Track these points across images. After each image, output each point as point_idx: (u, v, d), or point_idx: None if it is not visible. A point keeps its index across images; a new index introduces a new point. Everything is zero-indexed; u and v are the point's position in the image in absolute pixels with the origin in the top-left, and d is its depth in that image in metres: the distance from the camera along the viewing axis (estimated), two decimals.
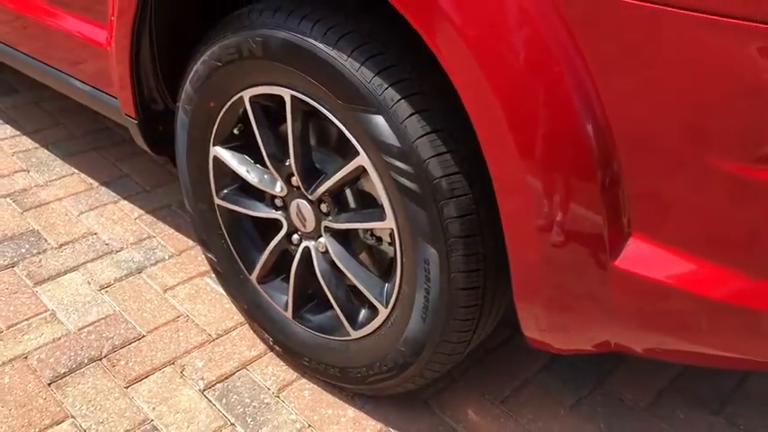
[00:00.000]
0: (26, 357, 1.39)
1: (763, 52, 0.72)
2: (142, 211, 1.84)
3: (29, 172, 1.97)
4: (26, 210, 1.82)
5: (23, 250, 1.67)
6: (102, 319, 1.49)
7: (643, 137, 0.83)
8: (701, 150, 0.81)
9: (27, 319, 1.48)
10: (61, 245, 1.70)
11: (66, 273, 1.61)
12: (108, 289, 1.58)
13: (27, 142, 2.11)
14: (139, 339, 1.45)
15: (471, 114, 0.91)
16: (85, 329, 1.46)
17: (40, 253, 1.67)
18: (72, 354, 1.40)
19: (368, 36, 1.02)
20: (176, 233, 1.76)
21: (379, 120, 1.02)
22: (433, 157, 0.99)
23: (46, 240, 1.71)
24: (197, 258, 1.67)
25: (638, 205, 0.88)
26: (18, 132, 2.15)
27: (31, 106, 2.31)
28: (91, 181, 1.94)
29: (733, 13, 0.72)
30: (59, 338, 1.44)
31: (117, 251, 1.69)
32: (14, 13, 1.69)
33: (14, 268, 1.62)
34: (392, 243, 1.12)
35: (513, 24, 0.84)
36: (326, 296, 1.27)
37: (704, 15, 0.73)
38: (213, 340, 1.46)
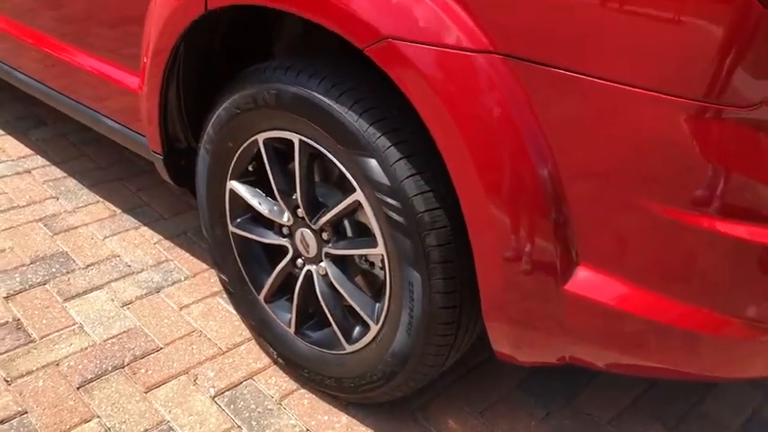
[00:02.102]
0: (57, 364, 1.56)
1: (670, 117, 0.91)
2: (161, 237, 2.02)
3: (58, 199, 2.16)
4: (56, 233, 2.00)
5: (54, 270, 1.85)
6: (125, 332, 1.67)
7: (585, 184, 1.02)
8: (630, 195, 0.99)
9: (58, 331, 1.65)
10: (88, 265, 1.88)
11: (92, 291, 1.79)
12: (130, 306, 1.75)
13: (56, 172, 2.30)
14: (158, 351, 1.62)
15: (446, 160, 1.09)
16: (110, 341, 1.64)
17: (68, 272, 1.85)
18: (98, 362, 1.58)
19: (365, 92, 1.21)
20: (191, 257, 1.94)
21: (373, 162, 1.20)
22: (418, 194, 1.18)
23: (74, 261, 1.89)
24: (210, 280, 1.85)
25: (584, 240, 1.06)
26: (48, 162, 2.35)
27: (59, 138, 2.51)
28: (114, 208, 2.13)
29: (646, 86, 0.91)
30: (86, 348, 1.61)
31: (138, 272, 1.87)
32: (51, 56, 1.90)
33: (46, 285, 1.80)
34: (382, 268, 1.30)
35: (481, 88, 1.03)
36: (325, 314, 1.45)
37: (624, 87, 0.93)
38: (223, 353, 1.63)
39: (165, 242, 2.00)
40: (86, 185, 2.24)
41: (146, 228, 2.06)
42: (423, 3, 1.05)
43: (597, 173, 1.01)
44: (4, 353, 1.58)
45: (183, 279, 1.86)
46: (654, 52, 0.90)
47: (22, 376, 1.52)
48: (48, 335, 1.64)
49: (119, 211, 2.13)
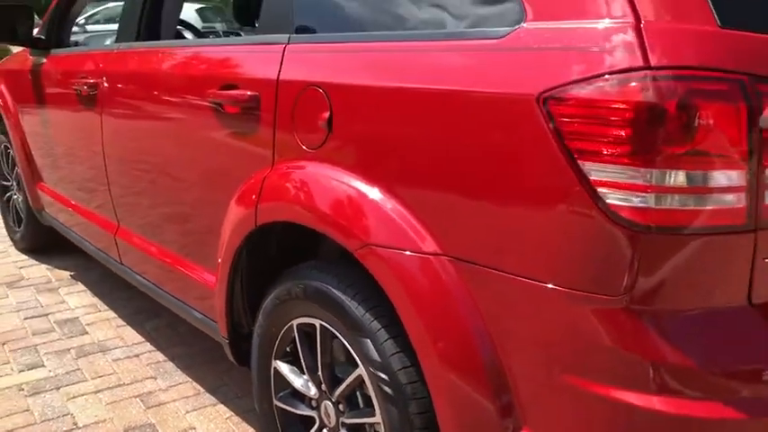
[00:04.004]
0: None
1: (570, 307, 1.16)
2: (233, 413, 2.33)
3: (156, 379, 2.55)
4: (149, 407, 2.36)
5: None
6: None
7: (518, 360, 1.25)
8: (555, 371, 1.20)
9: None
10: None
11: None
12: None
13: (159, 356, 2.72)
14: None
15: (411, 338, 1.36)
16: None
17: None
18: None
19: (362, 287, 1.52)
20: (254, 430, 2.22)
21: (369, 342, 1.49)
22: (401, 369, 1.43)
23: (158, 430, 2.22)
24: None
25: (522, 407, 1.26)
26: (154, 348, 2.79)
27: (166, 328, 2.96)
28: (199, 387, 2.49)
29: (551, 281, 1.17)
30: None
31: None
32: (158, 262, 2.38)
33: None
34: None
35: (433, 283, 1.32)
36: None
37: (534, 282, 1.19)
38: None
39: (234, 417, 2.30)
40: (181, 367, 2.63)
41: (222, 405, 2.38)
42: (393, 220, 1.39)
43: (527, 354, 1.24)
44: None
45: None
46: (557, 255, 1.17)
47: None
48: None
49: (202, 390, 2.48)
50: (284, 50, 1.70)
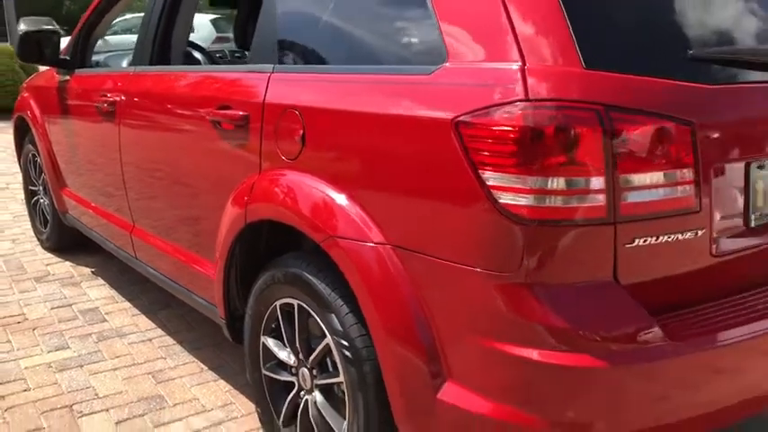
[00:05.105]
0: None
1: (475, 282, 1.50)
2: (231, 386, 2.69)
3: (166, 359, 2.92)
4: (159, 382, 2.73)
5: (152, 406, 2.55)
6: None
7: (444, 328, 1.59)
8: (473, 337, 1.55)
9: None
10: (175, 404, 2.56)
11: (174, 422, 2.45)
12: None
13: (169, 340, 3.09)
14: None
15: (363, 312, 1.71)
16: None
17: (160, 409, 2.54)
18: None
19: (329, 271, 1.87)
20: (249, 401, 2.57)
21: (333, 316, 1.84)
22: (358, 336, 1.78)
23: (166, 401, 2.59)
24: (255, 418, 2.46)
25: (449, 365, 1.60)
26: (164, 333, 3.16)
27: (176, 317, 3.33)
28: (203, 366, 2.85)
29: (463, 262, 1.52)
30: None
31: (209, 410, 2.52)
32: (168, 257, 2.75)
33: (144, 417, 2.49)
34: (344, 392, 1.87)
35: (381, 267, 1.67)
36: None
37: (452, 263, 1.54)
38: None
39: (232, 390, 2.66)
40: (188, 350, 3.00)
41: (222, 380, 2.74)
42: (350, 216, 1.74)
43: (451, 321, 1.58)
44: None
45: (239, 416, 2.49)
46: (468, 243, 1.51)
47: None
48: None
49: (206, 368, 2.84)
50: (269, 78, 2.07)
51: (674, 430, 1.56)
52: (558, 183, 1.42)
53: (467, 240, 1.52)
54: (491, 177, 1.46)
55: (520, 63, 1.45)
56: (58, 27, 3.57)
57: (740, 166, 1.67)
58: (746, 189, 1.69)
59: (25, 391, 2.66)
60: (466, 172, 1.48)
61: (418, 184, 1.59)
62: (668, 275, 1.58)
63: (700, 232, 1.56)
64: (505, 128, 1.42)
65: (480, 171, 1.46)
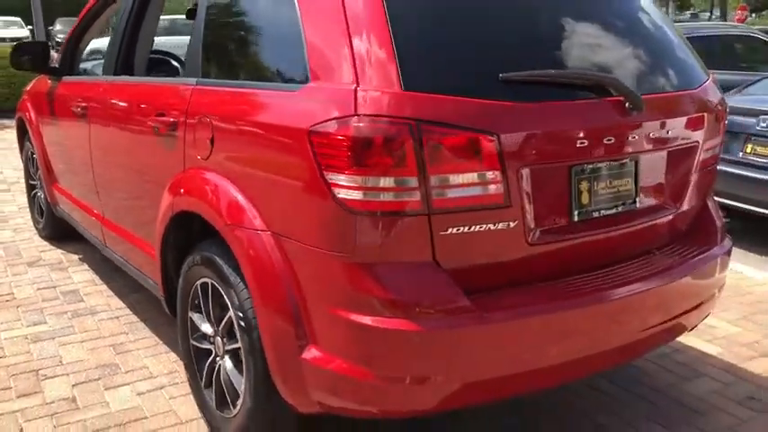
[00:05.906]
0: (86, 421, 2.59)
1: (319, 259, 1.85)
2: (177, 358, 3.06)
3: (127, 334, 3.31)
4: (118, 353, 3.12)
5: (107, 371, 2.94)
6: (131, 408, 2.67)
7: (308, 300, 1.94)
8: (328, 307, 1.90)
9: (94, 404, 2.70)
10: (127, 371, 2.95)
11: (123, 385, 2.84)
12: (141, 395, 2.77)
13: (134, 318, 3.49)
14: (145, 419, 2.60)
15: (249, 288, 2.07)
16: (121, 411, 2.65)
17: (114, 374, 2.93)
18: (108, 422, 2.58)
19: (230, 254, 2.23)
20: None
21: (233, 292, 2.20)
22: (249, 308, 2.14)
23: (120, 368, 2.98)
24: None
25: (311, 331, 1.95)
26: (130, 312, 3.56)
27: (145, 300, 3.72)
28: (158, 340, 3.24)
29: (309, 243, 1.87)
30: (104, 415, 2.63)
31: (155, 377, 2.91)
32: (125, 242, 3.14)
33: (98, 381, 2.88)
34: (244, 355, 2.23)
35: (263, 250, 2.02)
36: (226, 390, 2.37)
37: (302, 244, 1.89)
38: (183, 423, 2.57)
39: (179, 361, 3.03)
40: (149, 327, 3.39)
41: (172, 353, 3.12)
42: (242, 207, 2.10)
43: (312, 295, 1.93)
44: (57, 412, 2.64)
45: (179, 382, 2.86)
46: (320, 229, 1.86)
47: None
48: (88, 405, 2.69)
49: (161, 342, 3.23)
50: (193, 90, 2.44)
51: (492, 386, 1.89)
52: (382, 181, 1.76)
53: (318, 227, 1.87)
54: (332, 177, 1.80)
55: (355, 84, 1.79)
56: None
57: (562, 169, 1.99)
58: (569, 188, 2.01)
59: (1, 358, 3.08)
60: (315, 172, 1.83)
61: (287, 181, 1.94)
62: (489, 261, 1.92)
63: (512, 224, 1.89)
64: (339, 137, 1.77)
65: (324, 172, 1.81)
